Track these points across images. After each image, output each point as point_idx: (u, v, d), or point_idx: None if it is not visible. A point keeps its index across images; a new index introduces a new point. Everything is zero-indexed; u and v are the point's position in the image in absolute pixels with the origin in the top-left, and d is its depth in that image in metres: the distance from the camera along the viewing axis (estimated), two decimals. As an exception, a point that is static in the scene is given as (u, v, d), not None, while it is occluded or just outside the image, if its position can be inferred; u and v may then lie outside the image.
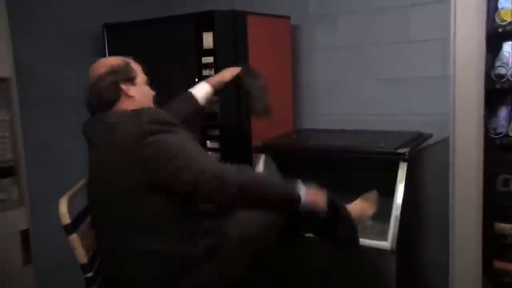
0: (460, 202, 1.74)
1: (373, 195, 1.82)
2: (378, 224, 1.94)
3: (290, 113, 2.60)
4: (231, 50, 2.18)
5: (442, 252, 1.95)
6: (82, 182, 1.62)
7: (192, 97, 1.87)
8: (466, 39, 1.68)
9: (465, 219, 1.74)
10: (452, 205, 1.75)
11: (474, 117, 1.70)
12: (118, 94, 1.50)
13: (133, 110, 1.44)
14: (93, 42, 2.64)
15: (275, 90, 2.20)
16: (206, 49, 2.14)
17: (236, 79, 1.92)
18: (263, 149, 2.12)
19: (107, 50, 2.49)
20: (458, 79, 1.72)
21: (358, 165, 2.11)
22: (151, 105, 1.57)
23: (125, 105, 1.50)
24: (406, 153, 1.81)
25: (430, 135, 2.10)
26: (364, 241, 1.74)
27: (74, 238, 1.44)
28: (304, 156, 2.11)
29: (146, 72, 1.60)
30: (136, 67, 1.57)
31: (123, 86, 1.50)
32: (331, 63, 2.53)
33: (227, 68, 1.95)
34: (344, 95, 2.51)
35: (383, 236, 1.78)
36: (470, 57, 1.68)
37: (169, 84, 1.80)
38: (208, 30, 2.12)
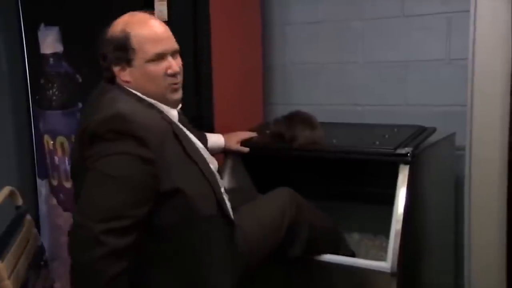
0: (478, 213, 1.70)
1: None
2: (375, 240, 1.89)
3: (259, 102, 2.41)
4: (190, 23, 1.94)
5: (452, 273, 1.97)
6: (5, 190, 1.55)
7: (205, 138, 1.75)
8: (491, 10, 1.62)
9: (484, 232, 1.70)
10: (468, 216, 1.73)
11: (497, 111, 1.63)
12: (111, 74, 1.36)
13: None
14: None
15: (242, 74, 2.17)
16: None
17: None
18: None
19: (22, 20, 2.33)
20: (478, 64, 1.67)
21: (347, 168, 1.95)
22: (169, 95, 1.37)
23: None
24: (408, 154, 1.64)
25: (434, 130, 1.95)
26: (358, 262, 1.64)
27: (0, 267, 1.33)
28: (280, 158, 1.96)
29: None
30: (145, 37, 1.34)
31: (115, 68, 1.35)
32: (310, 41, 2.41)
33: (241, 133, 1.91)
34: (326, 81, 2.39)
35: (381, 255, 1.69)
36: (496, 36, 1.59)
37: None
38: (161, -3, 1.94)
